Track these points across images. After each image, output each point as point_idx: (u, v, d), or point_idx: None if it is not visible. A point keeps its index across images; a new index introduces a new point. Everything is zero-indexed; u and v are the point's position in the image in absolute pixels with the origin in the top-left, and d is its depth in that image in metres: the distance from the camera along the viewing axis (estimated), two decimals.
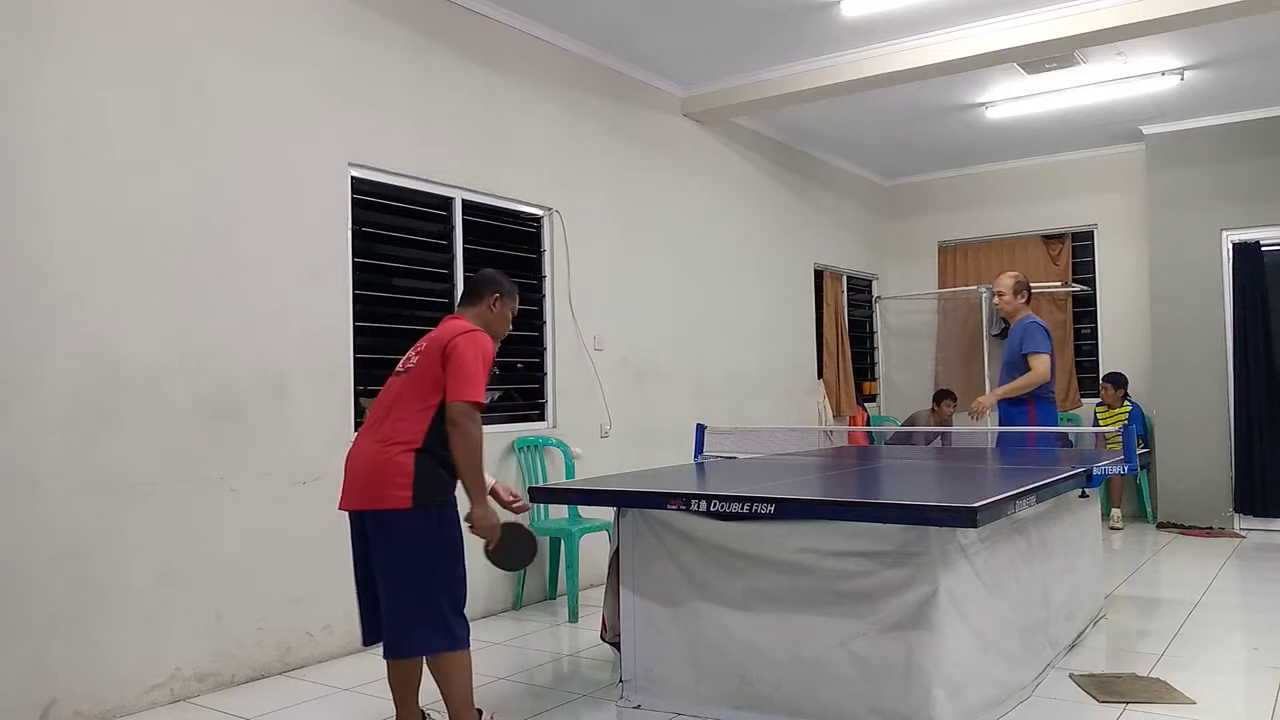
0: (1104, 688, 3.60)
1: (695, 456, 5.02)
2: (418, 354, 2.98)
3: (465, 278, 5.09)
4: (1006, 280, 5.60)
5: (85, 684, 3.45)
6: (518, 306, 3.26)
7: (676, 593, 3.44)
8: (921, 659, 2.97)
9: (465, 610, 2.94)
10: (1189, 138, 7.62)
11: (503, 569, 3.14)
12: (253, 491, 4.01)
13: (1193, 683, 3.65)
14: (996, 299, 5.62)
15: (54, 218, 3.44)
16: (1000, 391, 5.42)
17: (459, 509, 2.94)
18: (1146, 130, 7.75)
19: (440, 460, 2.87)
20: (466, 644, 2.90)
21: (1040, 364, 5.29)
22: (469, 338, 2.89)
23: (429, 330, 3.12)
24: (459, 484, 2.93)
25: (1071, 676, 3.74)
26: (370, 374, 4.61)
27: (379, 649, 2.97)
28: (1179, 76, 6.45)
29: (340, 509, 2.97)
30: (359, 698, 3.75)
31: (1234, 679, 3.81)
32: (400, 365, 3.04)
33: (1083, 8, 5.26)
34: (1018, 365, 5.41)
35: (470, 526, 2.91)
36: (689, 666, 3.41)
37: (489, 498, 3.00)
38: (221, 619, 3.87)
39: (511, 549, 3.04)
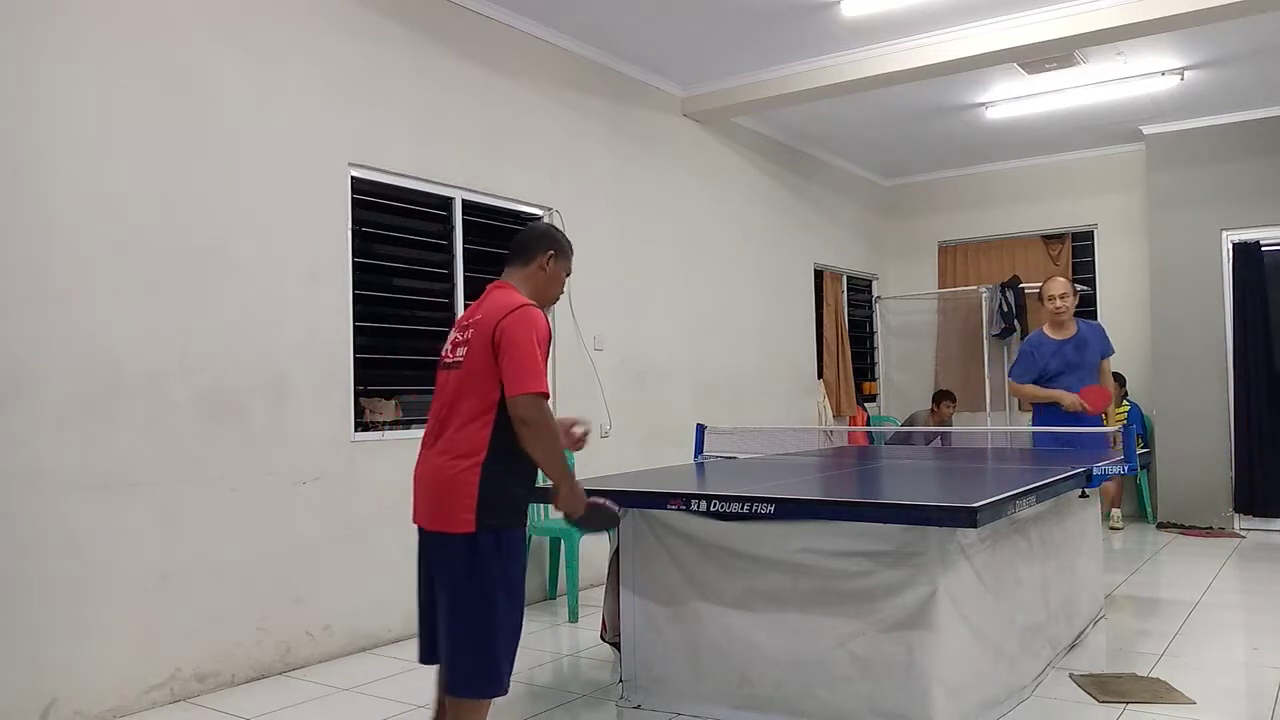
0: (1104, 688, 3.60)
1: (695, 456, 5.02)
2: (465, 341, 2.59)
3: (466, 277, 5.09)
4: (1064, 284, 5.44)
5: (85, 684, 3.45)
6: (572, 266, 2.86)
7: (676, 593, 3.44)
8: (921, 659, 2.97)
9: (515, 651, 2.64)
10: (1189, 138, 7.62)
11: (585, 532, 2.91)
12: (253, 491, 4.01)
13: (1193, 683, 3.65)
14: (1060, 301, 5.35)
15: (54, 218, 3.44)
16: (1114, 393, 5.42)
17: (526, 532, 2.67)
18: (1146, 130, 7.75)
19: (510, 471, 2.53)
20: (506, 689, 2.60)
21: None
22: (518, 317, 2.50)
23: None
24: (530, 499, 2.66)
25: (1071, 676, 3.74)
26: (370, 374, 4.61)
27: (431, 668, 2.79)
28: (1179, 76, 6.45)
29: (416, 523, 2.68)
30: (359, 698, 3.75)
31: (1234, 679, 3.81)
32: (447, 353, 2.65)
33: (1083, 8, 5.27)
34: (1096, 368, 5.39)
35: (555, 505, 2.67)
36: (689, 666, 3.41)
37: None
38: (221, 619, 3.87)
39: (593, 521, 2.80)
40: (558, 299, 2.85)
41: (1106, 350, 5.46)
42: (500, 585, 2.51)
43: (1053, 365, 5.47)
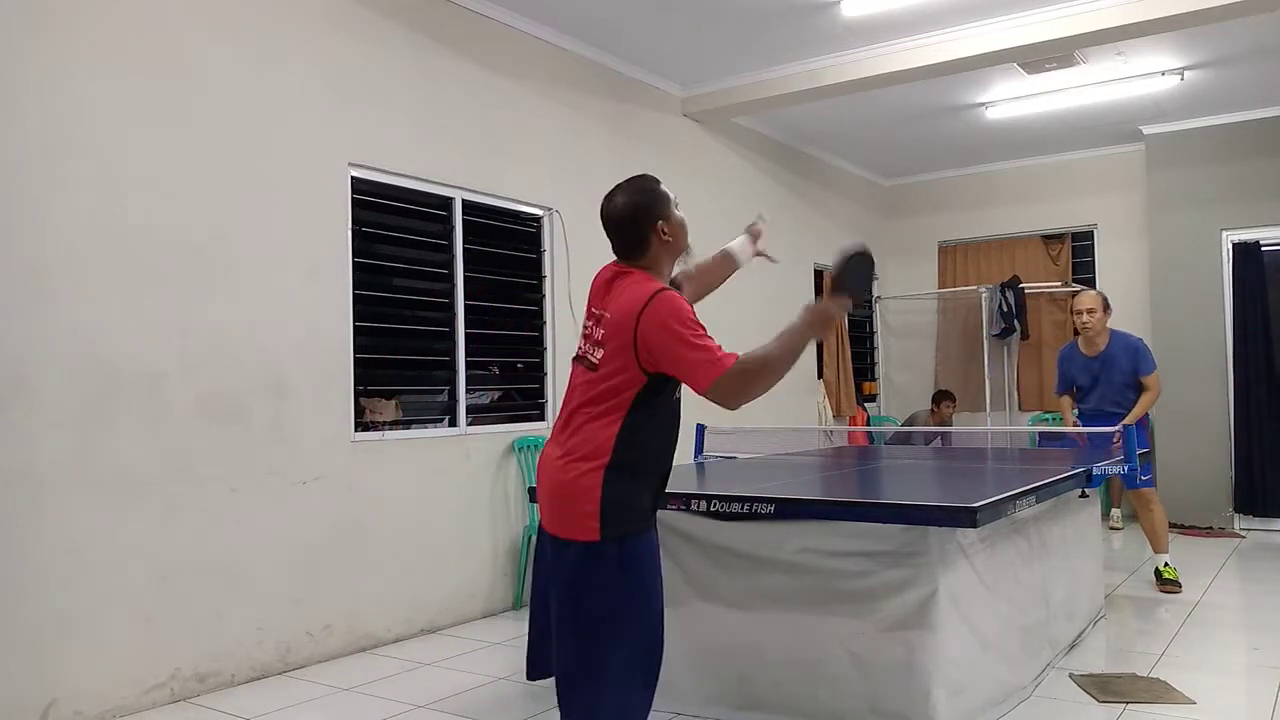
0: (1104, 687, 3.60)
1: (695, 456, 5.02)
2: (597, 339, 2.32)
3: (466, 277, 5.09)
4: (1093, 298, 5.38)
5: (85, 684, 3.45)
6: (676, 210, 2.43)
7: (676, 593, 3.44)
8: (921, 659, 2.97)
9: (652, 678, 2.33)
10: (1189, 138, 7.61)
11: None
12: (253, 491, 4.01)
13: (1192, 683, 3.64)
14: (1086, 317, 5.32)
15: (53, 218, 3.44)
16: (1139, 414, 5.30)
17: (656, 536, 2.39)
18: (1146, 130, 7.75)
19: (635, 474, 2.28)
20: None
21: (1157, 383, 5.43)
22: (661, 310, 2.20)
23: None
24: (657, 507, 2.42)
25: (1071, 676, 3.74)
26: (370, 374, 4.61)
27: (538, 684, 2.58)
28: (1179, 76, 6.45)
29: (540, 519, 2.42)
30: (359, 698, 3.75)
31: (1234, 679, 3.81)
32: (581, 347, 2.39)
33: (1083, 8, 5.26)
34: (1131, 385, 5.35)
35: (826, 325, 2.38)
36: (689, 666, 3.41)
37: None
38: (221, 619, 3.87)
39: (848, 284, 2.37)
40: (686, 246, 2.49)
41: (1140, 368, 5.34)
42: (630, 593, 2.25)
43: (1081, 379, 5.53)
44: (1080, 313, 5.39)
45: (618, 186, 2.43)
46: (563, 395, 2.41)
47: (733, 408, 2.23)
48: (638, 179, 2.45)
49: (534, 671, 2.48)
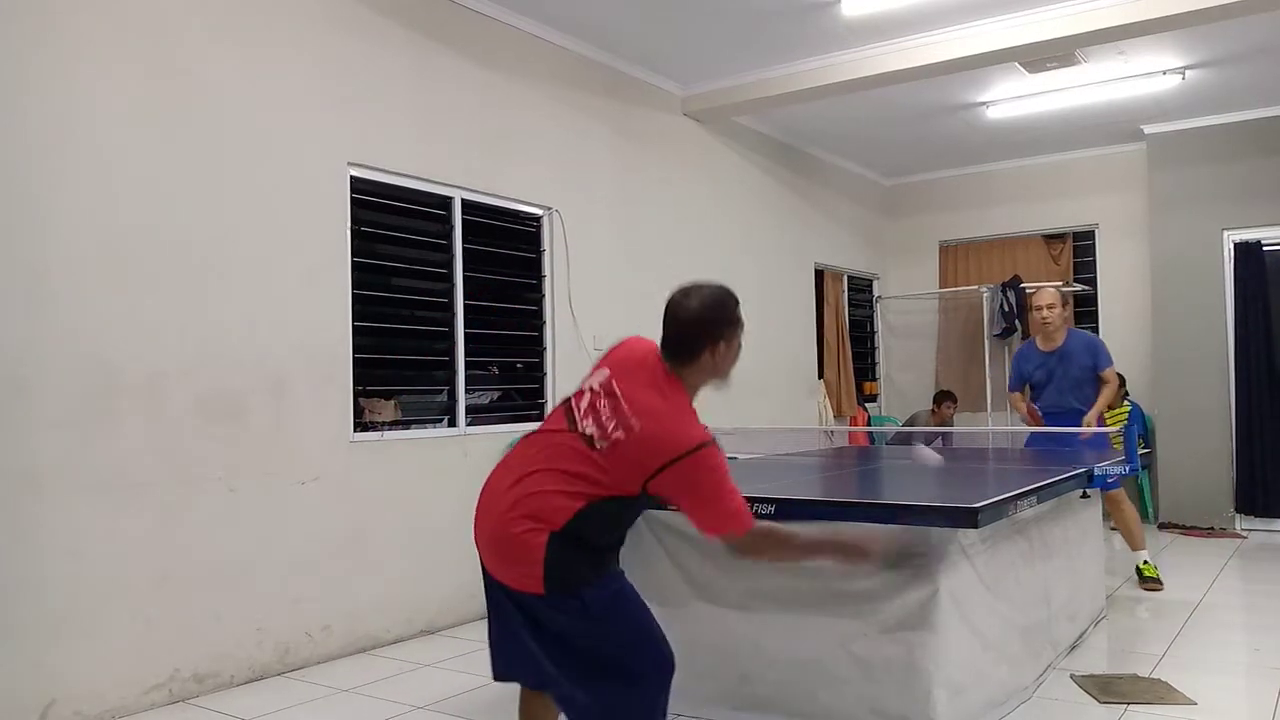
0: (1105, 688, 3.59)
1: None
2: (615, 435, 2.20)
3: (466, 277, 5.08)
4: (1053, 294, 5.45)
5: (85, 684, 3.45)
6: (739, 336, 2.42)
7: (676, 593, 3.44)
8: (922, 660, 2.96)
9: (668, 683, 2.37)
10: (1190, 137, 7.60)
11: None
12: (253, 491, 4.00)
13: (1194, 683, 3.64)
14: (1046, 312, 5.39)
15: (52, 218, 3.44)
16: (1100, 408, 5.35)
17: (616, 577, 2.33)
18: (1148, 130, 7.74)
19: (579, 547, 2.21)
20: None
21: (1115, 377, 5.48)
22: (699, 464, 2.16)
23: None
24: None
25: (1072, 677, 3.74)
26: (370, 374, 4.61)
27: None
28: (1180, 76, 6.44)
29: (480, 558, 2.37)
30: (358, 698, 3.74)
31: (1235, 680, 3.80)
32: (585, 415, 2.26)
33: (1084, 7, 5.25)
34: (1089, 380, 5.40)
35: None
36: (689, 666, 3.39)
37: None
38: (221, 619, 3.87)
39: (899, 560, 2.65)
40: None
41: (1098, 363, 5.43)
42: (597, 635, 2.23)
43: (1036, 376, 5.56)
44: (1040, 308, 5.45)
45: (697, 286, 2.35)
46: (553, 402, 2.39)
47: (750, 557, 2.26)
48: (721, 290, 2.37)
49: (501, 671, 2.43)
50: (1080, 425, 5.28)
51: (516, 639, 2.32)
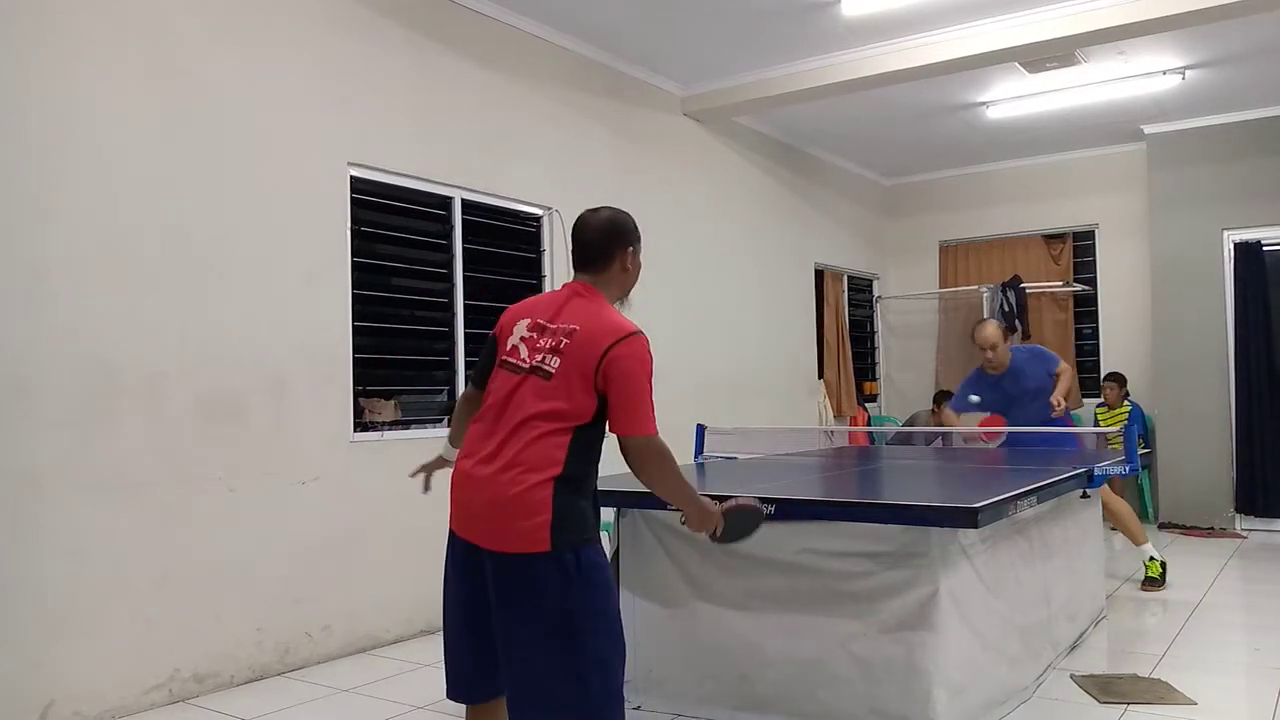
0: (1105, 688, 3.59)
1: (695, 457, 5.01)
2: (555, 349, 2.29)
3: (466, 277, 5.08)
4: (995, 333, 5.39)
5: (85, 684, 3.45)
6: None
7: (676, 593, 3.44)
8: (922, 660, 2.96)
9: (620, 685, 2.26)
10: (1190, 137, 7.60)
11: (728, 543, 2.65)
12: (253, 491, 4.00)
13: (1194, 683, 3.64)
14: (991, 353, 5.35)
15: (52, 218, 3.44)
16: (1063, 390, 5.34)
17: (606, 546, 2.39)
18: (1148, 130, 7.74)
19: (582, 489, 2.29)
20: None
21: (1067, 367, 5.53)
22: (631, 349, 2.27)
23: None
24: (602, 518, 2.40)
25: (1072, 677, 3.74)
26: (369, 374, 4.61)
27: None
28: (1180, 76, 6.44)
29: (456, 533, 2.32)
30: (358, 699, 3.74)
31: (1235, 680, 3.80)
32: (521, 354, 2.34)
33: (1084, 7, 5.25)
34: (1046, 388, 5.40)
35: (685, 525, 2.52)
36: (689, 666, 3.40)
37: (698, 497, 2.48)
38: (221, 619, 3.87)
39: (735, 529, 2.56)
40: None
41: (1050, 365, 5.46)
42: (586, 600, 2.20)
43: (993, 400, 5.50)
44: (984, 349, 5.39)
45: (599, 207, 2.51)
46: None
47: (633, 466, 2.31)
48: (620, 210, 2.53)
49: (460, 690, 2.37)
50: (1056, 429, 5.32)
51: (478, 641, 2.30)
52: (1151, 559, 5.37)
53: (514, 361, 2.34)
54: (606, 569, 2.29)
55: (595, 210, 2.49)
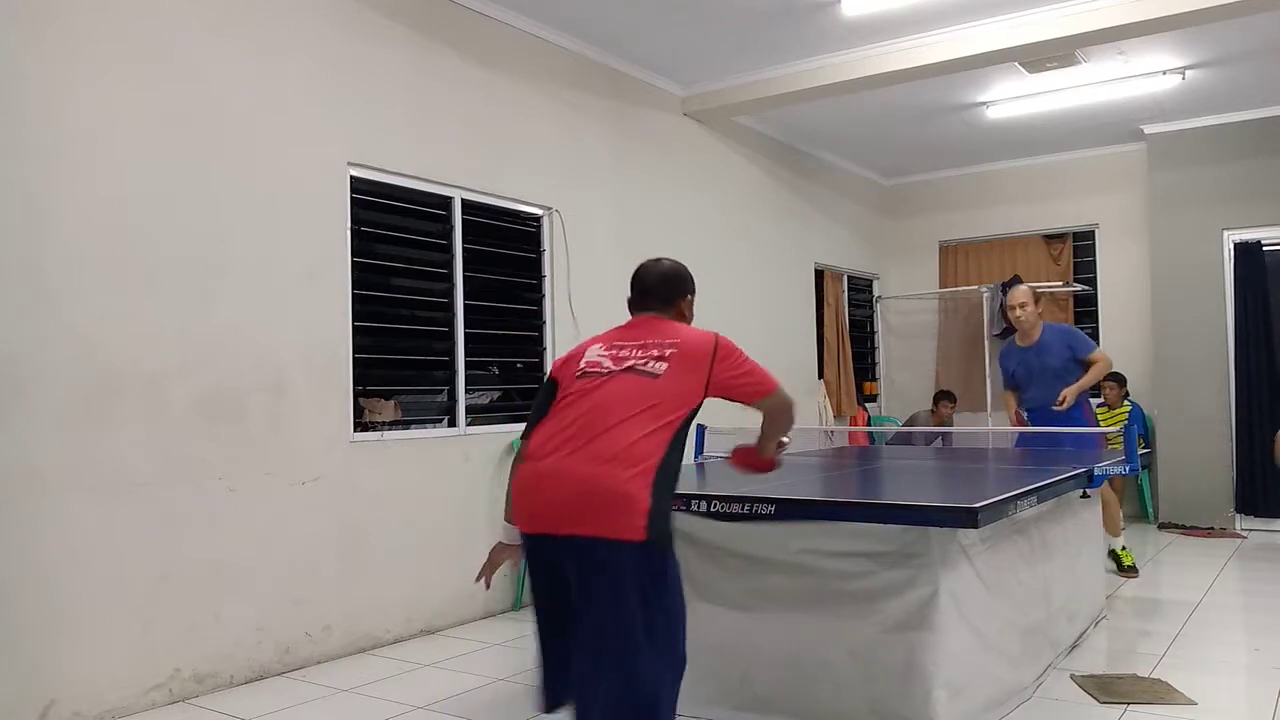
0: (1105, 688, 3.59)
1: (695, 457, 5.00)
2: (661, 356, 2.42)
3: (466, 277, 5.08)
4: (1025, 293, 5.54)
5: (84, 684, 3.44)
6: None
7: None
8: (922, 660, 2.96)
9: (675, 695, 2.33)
10: (1190, 137, 7.60)
11: None
12: (253, 491, 4.00)
13: (1194, 683, 3.64)
14: (1019, 310, 5.49)
15: (52, 217, 3.44)
16: (1079, 386, 5.40)
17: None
18: (1147, 130, 7.74)
19: (670, 485, 2.35)
20: None
21: (1103, 356, 5.59)
22: (730, 343, 2.52)
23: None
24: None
25: (1072, 677, 3.74)
26: (369, 374, 4.61)
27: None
28: (1180, 76, 6.44)
29: (532, 532, 2.33)
30: (358, 699, 3.74)
31: (1235, 680, 3.80)
32: (605, 365, 2.45)
33: (1084, 7, 5.25)
34: (1072, 372, 5.46)
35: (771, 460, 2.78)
36: (689, 666, 3.39)
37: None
38: (220, 619, 3.87)
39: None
40: None
41: (1077, 350, 5.51)
42: (667, 600, 2.26)
43: (1019, 373, 5.65)
44: (1014, 308, 5.55)
45: (661, 257, 2.76)
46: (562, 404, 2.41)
47: (777, 417, 2.59)
48: (679, 261, 2.77)
49: (552, 699, 2.38)
50: (1069, 424, 5.32)
51: (564, 645, 2.33)
52: (1123, 549, 5.57)
53: (596, 370, 2.46)
54: (678, 578, 2.34)
55: (658, 259, 2.73)
